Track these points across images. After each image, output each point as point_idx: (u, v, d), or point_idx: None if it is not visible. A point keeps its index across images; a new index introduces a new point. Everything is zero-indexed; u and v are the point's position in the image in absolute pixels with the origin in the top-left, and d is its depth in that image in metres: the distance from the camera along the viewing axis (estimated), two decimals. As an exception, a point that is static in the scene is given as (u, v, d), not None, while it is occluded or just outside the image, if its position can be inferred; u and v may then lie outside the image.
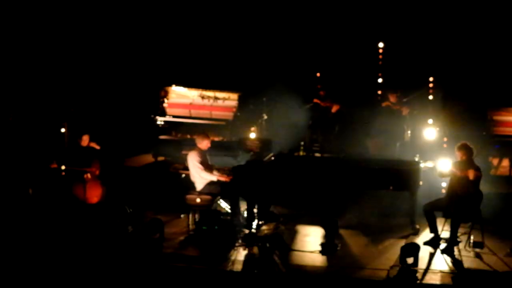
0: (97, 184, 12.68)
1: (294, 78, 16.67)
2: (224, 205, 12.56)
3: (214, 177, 11.99)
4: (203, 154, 12.11)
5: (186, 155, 12.51)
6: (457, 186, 11.07)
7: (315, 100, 15.77)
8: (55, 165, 12.42)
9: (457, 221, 10.95)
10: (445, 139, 14.66)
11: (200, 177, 11.98)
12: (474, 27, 15.80)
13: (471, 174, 10.79)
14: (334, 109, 15.41)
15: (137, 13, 16.78)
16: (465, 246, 11.03)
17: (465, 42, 15.82)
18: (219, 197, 12.31)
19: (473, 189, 10.94)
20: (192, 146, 12.39)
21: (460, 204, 10.97)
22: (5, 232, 11.47)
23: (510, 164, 14.66)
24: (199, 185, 12.00)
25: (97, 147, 12.92)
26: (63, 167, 12.39)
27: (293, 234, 12.00)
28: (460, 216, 10.95)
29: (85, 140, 12.79)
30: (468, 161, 11.11)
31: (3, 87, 14.92)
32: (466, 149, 11.19)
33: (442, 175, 11.44)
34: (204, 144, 12.20)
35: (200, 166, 11.92)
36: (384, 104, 15.30)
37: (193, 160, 11.99)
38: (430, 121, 15.06)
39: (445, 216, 11.40)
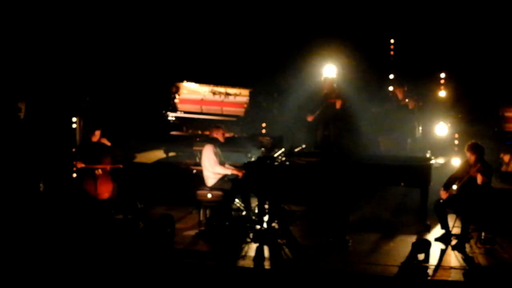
0: (108, 180, 12.69)
1: (305, 74, 16.65)
2: (235, 201, 12.57)
3: (228, 171, 12.02)
4: (218, 149, 12.12)
5: (198, 151, 12.53)
6: (468, 183, 11.06)
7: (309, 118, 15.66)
8: (82, 165, 12.51)
9: (468, 217, 10.94)
10: (456, 135, 14.64)
11: (213, 172, 11.98)
12: (485, 22, 15.73)
13: (479, 179, 10.80)
14: (338, 104, 15.36)
15: (149, 9, 16.79)
16: (476, 243, 11.02)
17: (476, 38, 15.76)
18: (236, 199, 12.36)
19: (484, 186, 10.93)
20: (204, 141, 12.40)
21: (471, 200, 10.95)
22: (15, 228, 11.53)
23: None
24: (212, 181, 12.00)
25: (108, 143, 12.92)
26: (82, 165, 12.48)
27: (304, 230, 12.03)
28: (471, 212, 10.94)
29: (97, 135, 12.79)
30: (477, 161, 11.07)
31: (15, 82, 14.95)
32: (475, 149, 11.17)
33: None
34: (220, 134, 12.23)
35: (215, 159, 11.93)
36: (402, 103, 15.23)
37: (208, 153, 11.99)
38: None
39: (456, 213, 11.37)
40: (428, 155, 12.84)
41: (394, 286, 9.66)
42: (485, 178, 10.83)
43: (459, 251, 10.77)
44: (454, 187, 11.40)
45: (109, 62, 16.53)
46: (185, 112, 16.32)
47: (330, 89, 15.48)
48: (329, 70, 16.01)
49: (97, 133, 12.80)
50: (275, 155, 12.40)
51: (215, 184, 12.02)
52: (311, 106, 15.51)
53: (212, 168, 11.98)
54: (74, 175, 12.88)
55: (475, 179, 10.88)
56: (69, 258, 10.30)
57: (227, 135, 12.82)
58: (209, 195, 11.94)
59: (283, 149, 12.82)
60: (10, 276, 9.77)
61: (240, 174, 11.99)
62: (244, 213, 12.30)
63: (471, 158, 11.17)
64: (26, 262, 10.20)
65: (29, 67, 15.02)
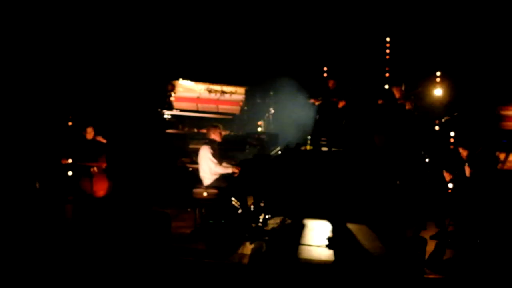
0: (103, 178, 12.69)
1: (301, 72, 16.66)
2: (231, 199, 12.55)
3: (228, 170, 11.98)
4: (215, 148, 12.07)
5: (193, 148, 12.50)
6: (461, 179, 11.11)
7: (312, 100, 15.73)
8: (66, 161, 12.47)
9: (463, 215, 10.97)
10: (453, 134, 14.66)
11: (210, 172, 11.95)
12: (482, 20, 15.74)
13: (467, 171, 10.89)
14: (341, 104, 15.39)
15: (144, 7, 16.77)
16: (471, 240, 11.03)
17: (473, 36, 15.77)
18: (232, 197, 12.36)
19: (479, 184, 10.99)
20: (200, 140, 12.38)
21: (466, 198, 10.99)
22: (11, 226, 11.51)
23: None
24: (208, 181, 11.97)
25: (104, 141, 12.91)
26: (70, 161, 12.44)
27: (299, 228, 12.03)
28: (466, 210, 10.97)
29: (89, 132, 12.77)
30: (469, 157, 11.14)
31: (9, 80, 14.93)
32: (467, 146, 11.26)
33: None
34: (217, 134, 12.17)
35: (214, 160, 11.88)
36: (399, 102, 15.23)
37: (206, 155, 11.93)
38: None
39: (451, 211, 11.39)
40: (423, 154, 12.86)
41: (390, 284, 9.68)
42: (471, 169, 10.89)
43: (454, 249, 10.79)
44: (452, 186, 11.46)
45: (105, 59, 16.50)
46: (180, 110, 16.30)
47: (334, 87, 15.56)
48: (329, 68, 16.09)
49: (89, 130, 12.78)
50: (271, 153, 12.41)
51: (212, 183, 12.01)
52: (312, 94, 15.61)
53: (212, 170, 11.94)
54: (70, 173, 12.86)
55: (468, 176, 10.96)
56: (65, 256, 10.30)
57: (223, 133, 12.81)
58: (205, 193, 11.92)
59: (278, 147, 12.84)
60: (7, 275, 9.77)
61: (237, 171, 11.99)
62: (240, 211, 12.30)
63: (463, 153, 11.26)
64: (22, 261, 10.19)
65: (23, 65, 15.01)
